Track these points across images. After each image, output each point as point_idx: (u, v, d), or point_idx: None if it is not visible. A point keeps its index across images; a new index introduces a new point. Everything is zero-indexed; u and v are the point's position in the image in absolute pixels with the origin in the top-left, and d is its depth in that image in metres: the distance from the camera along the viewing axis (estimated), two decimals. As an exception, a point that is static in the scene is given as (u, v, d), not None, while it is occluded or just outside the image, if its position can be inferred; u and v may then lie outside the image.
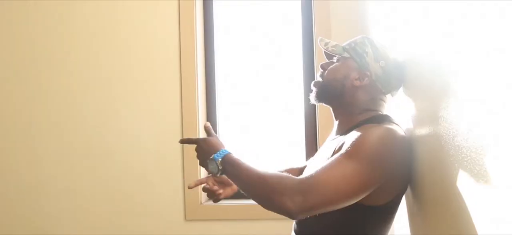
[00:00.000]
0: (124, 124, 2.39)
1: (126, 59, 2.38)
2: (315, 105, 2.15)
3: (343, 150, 1.12)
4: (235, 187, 1.56)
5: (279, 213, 1.07)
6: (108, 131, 2.40)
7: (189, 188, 1.50)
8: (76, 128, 2.42)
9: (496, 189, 0.71)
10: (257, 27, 2.50)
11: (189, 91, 2.31)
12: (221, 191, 1.55)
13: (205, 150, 1.25)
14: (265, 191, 1.08)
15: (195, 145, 1.30)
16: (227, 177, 1.24)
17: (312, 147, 2.32)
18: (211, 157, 1.20)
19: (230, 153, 1.21)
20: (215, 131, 2.43)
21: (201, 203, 2.34)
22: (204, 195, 2.37)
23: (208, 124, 1.36)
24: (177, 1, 2.33)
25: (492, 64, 0.68)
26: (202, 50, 2.41)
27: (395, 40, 1.38)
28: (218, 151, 1.21)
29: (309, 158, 1.63)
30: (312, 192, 1.04)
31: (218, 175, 1.20)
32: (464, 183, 0.85)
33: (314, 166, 1.30)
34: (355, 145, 1.11)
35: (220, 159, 1.19)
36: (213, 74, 2.44)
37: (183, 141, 1.38)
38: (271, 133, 2.50)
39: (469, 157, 0.81)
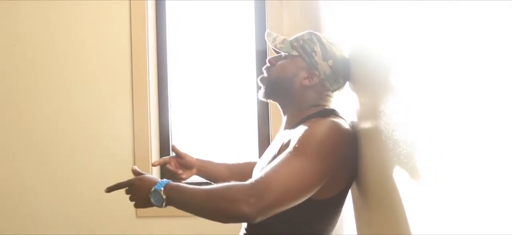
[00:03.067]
0: (74, 122, 2.34)
1: (77, 57, 2.33)
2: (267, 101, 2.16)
3: (291, 147, 1.13)
4: (195, 169, 1.57)
5: (237, 221, 1.06)
6: (59, 129, 2.34)
7: (153, 166, 1.49)
8: (26, 126, 2.35)
9: (426, 183, 0.73)
10: (210, 25, 2.49)
11: (141, 88, 2.28)
12: (183, 173, 1.54)
13: (142, 186, 1.20)
14: (218, 204, 1.06)
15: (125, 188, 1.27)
16: (173, 206, 1.17)
17: (265, 143, 2.33)
18: (152, 189, 1.15)
19: (169, 181, 1.17)
20: (168, 129, 2.41)
21: (153, 200, 2.31)
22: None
23: (135, 167, 1.34)
24: (128, 1, 2.29)
25: (427, 62, 0.70)
26: (154, 48, 2.38)
27: (343, 37, 1.40)
28: (157, 182, 1.16)
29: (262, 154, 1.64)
30: (266, 193, 1.04)
31: (163, 206, 1.14)
32: (400, 177, 0.87)
33: (262, 162, 1.31)
34: (302, 140, 1.12)
35: (162, 188, 1.13)
36: (166, 72, 2.42)
37: (112, 189, 1.33)
38: (225, 129, 2.49)
39: (405, 151, 0.83)
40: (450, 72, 0.62)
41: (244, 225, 1.35)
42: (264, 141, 2.35)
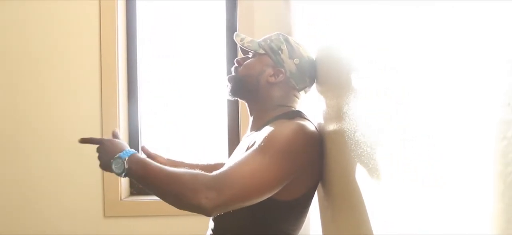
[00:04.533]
0: (41, 120, 2.30)
1: (46, 56, 2.29)
2: (237, 101, 2.17)
3: (255, 145, 1.14)
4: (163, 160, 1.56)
5: (192, 210, 1.05)
6: (24, 125, 2.30)
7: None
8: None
9: (385, 183, 0.74)
10: (181, 25, 2.48)
11: (109, 87, 2.26)
12: None
13: (109, 149, 1.18)
14: (177, 189, 1.05)
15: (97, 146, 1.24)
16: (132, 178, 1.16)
17: (234, 142, 2.33)
18: (116, 156, 1.13)
19: (136, 152, 1.16)
20: (137, 128, 2.39)
21: (121, 199, 2.29)
22: (124, 190, 2.33)
23: (116, 130, 1.32)
24: (98, 0, 2.27)
25: (387, 63, 0.71)
26: (124, 47, 2.36)
27: (311, 38, 1.42)
28: (124, 150, 1.15)
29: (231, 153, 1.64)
30: (226, 187, 1.04)
31: (122, 175, 1.13)
32: (362, 177, 0.89)
33: (230, 164, 1.31)
34: (267, 139, 1.13)
35: (126, 158, 1.12)
36: (136, 71, 2.40)
37: (84, 141, 1.31)
38: (195, 129, 2.48)
39: (366, 152, 0.85)
40: (408, 73, 0.64)
41: (211, 225, 1.35)
42: (233, 141, 2.35)
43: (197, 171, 1.08)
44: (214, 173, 1.08)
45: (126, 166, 1.11)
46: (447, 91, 0.53)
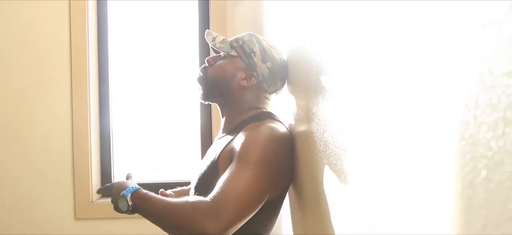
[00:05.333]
0: (10, 119, 2.25)
1: (15, 56, 2.25)
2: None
3: (236, 160, 1.13)
4: None
5: None
6: (-10, 126, 2.24)
7: (98, 193, 1.51)
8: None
9: (352, 183, 0.75)
10: (154, 25, 2.46)
11: (80, 87, 2.23)
12: None
13: (116, 190, 1.19)
14: (178, 221, 1.05)
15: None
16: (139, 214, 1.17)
17: (207, 143, 2.32)
18: (121, 194, 1.14)
19: (140, 188, 1.16)
20: (108, 129, 2.36)
21: (92, 201, 2.26)
22: (95, 192, 2.29)
23: (130, 173, 1.37)
24: (67, 1, 2.23)
25: (355, 64, 0.72)
26: (95, 47, 2.33)
27: (282, 39, 1.42)
28: (127, 188, 1.15)
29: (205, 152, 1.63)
30: (224, 211, 1.04)
31: (128, 213, 1.13)
32: (330, 178, 0.89)
33: (202, 166, 1.30)
34: (247, 151, 1.13)
35: (129, 195, 1.13)
36: (107, 71, 2.37)
37: (100, 191, 1.40)
38: (167, 130, 2.47)
39: (334, 153, 0.85)
40: (377, 74, 0.64)
41: None
42: (206, 141, 2.34)
43: (195, 198, 1.08)
44: (210, 197, 1.07)
45: (130, 203, 1.12)
46: (409, 92, 0.53)
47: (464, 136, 0.42)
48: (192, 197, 1.10)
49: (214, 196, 1.07)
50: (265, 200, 1.14)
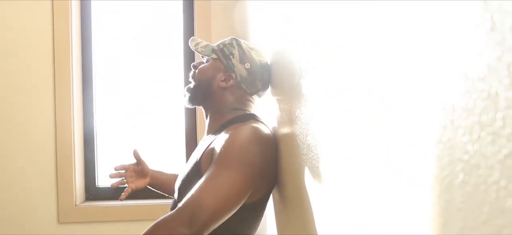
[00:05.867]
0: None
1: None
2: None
3: (215, 160, 1.13)
4: (148, 179, 1.63)
5: None
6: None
7: (115, 169, 1.61)
8: None
9: (334, 187, 0.75)
10: (138, 27, 2.44)
11: (63, 88, 2.20)
12: (133, 182, 1.61)
13: None
14: None
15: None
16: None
17: (192, 144, 2.32)
18: None
19: None
20: (92, 129, 2.33)
21: (76, 205, 2.23)
22: (79, 196, 2.27)
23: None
24: (50, 1, 2.21)
25: (337, 68, 0.72)
26: (78, 47, 2.31)
27: (266, 42, 1.42)
28: None
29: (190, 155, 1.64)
30: (198, 212, 1.04)
31: None
32: (312, 181, 0.89)
33: (186, 168, 1.30)
34: (225, 151, 1.13)
35: None
36: (91, 71, 2.35)
37: None
38: (152, 131, 2.45)
39: (317, 156, 0.85)
40: (357, 78, 0.65)
41: None
42: (191, 144, 2.34)
43: (159, 218, 1.08)
44: (180, 204, 1.07)
45: None
46: (389, 94, 0.53)
47: (441, 140, 0.43)
48: (161, 217, 1.10)
49: (183, 203, 1.07)
50: (243, 201, 1.13)
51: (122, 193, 1.59)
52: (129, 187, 1.60)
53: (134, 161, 1.62)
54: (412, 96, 0.48)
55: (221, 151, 1.14)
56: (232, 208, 1.10)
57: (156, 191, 1.67)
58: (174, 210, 1.07)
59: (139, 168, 1.62)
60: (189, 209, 1.05)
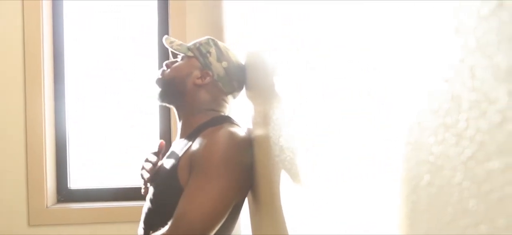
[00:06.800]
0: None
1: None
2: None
3: (198, 171, 1.14)
4: None
5: None
6: None
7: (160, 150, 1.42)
8: None
9: (305, 188, 0.75)
10: (112, 27, 2.41)
11: (34, 88, 2.16)
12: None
13: None
14: None
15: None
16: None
17: (166, 148, 2.29)
18: None
19: None
20: (64, 129, 2.29)
21: (47, 207, 2.19)
22: (50, 197, 2.23)
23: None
24: (20, 1, 2.16)
25: (308, 71, 0.72)
26: (50, 47, 2.27)
27: (239, 43, 1.42)
28: None
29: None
30: (191, 227, 1.06)
31: None
32: (285, 183, 0.89)
33: (158, 174, 1.29)
34: (207, 161, 1.13)
35: None
36: (62, 71, 2.30)
37: None
38: (126, 133, 2.43)
39: (289, 157, 0.85)
40: (329, 78, 0.65)
41: (140, 231, 1.32)
42: (165, 145, 2.32)
43: (163, 229, 1.10)
44: (174, 221, 1.09)
45: None
46: (358, 94, 0.54)
47: (409, 141, 0.43)
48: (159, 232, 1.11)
49: (175, 218, 1.09)
50: (231, 207, 1.15)
51: (144, 189, 1.40)
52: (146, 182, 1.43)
53: (155, 151, 1.45)
54: (381, 96, 0.48)
55: (202, 160, 1.14)
56: (222, 217, 1.12)
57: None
58: (166, 228, 1.08)
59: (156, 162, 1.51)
60: (181, 226, 1.07)
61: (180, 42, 1.38)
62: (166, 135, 2.33)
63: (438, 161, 0.38)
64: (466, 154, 0.34)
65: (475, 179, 0.33)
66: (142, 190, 1.40)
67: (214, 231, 1.11)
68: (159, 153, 1.41)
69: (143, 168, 1.39)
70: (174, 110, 1.40)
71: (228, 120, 1.30)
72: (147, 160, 1.40)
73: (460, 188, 0.35)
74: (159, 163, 1.36)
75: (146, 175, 1.36)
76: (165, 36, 1.39)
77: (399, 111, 0.45)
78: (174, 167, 1.22)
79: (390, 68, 0.46)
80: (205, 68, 1.31)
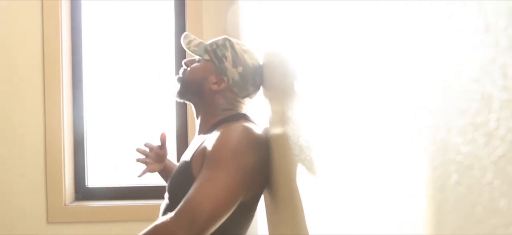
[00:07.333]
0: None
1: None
2: (185, 103, 2.15)
3: (208, 161, 1.14)
4: (162, 165, 1.62)
5: None
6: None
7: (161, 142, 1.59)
8: None
9: (327, 189, 0.75)
10: (130, 26, 2.43)
11: (53, 88, 2.19)
12: (152, 165, 1.60)
13: None
14: None
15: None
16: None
17: (183, 147, 2.31)
18: None
19: None
20: (83, 129, 2.32)
21: (65, 205, 2.22)
22: (68, 195, 2.26)
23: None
24: (40, 1, 2.19)
25: (329, 71, 0.72)
26: (68, 47, 2.29)
27: (257, 42, 1.42)
28: None
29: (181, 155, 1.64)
30: (195, 216, 1.06)
31: None
32: (305, 183, 0.89)
33: (174, 170, 1.31)
34: (218, 152, 1.14)
35: None
36: (81, 71, 2.33)
37: None
38: (143, 129, 2.44)
39: (309, 157, 0.85)
40: (351, 79, 0.65)
41: None
42: (182, 144, 2.33)
43: (158, 220, 1.12)
44: (178, 208, 1.10)
45: None
46: (382, 94, 0.54)
47: (435, 141, 0.43)
48: (159, 219, 1.13)
49: (182, 204, 1.09)
50: (240, 199, 1.14)
51: (141, 172, 1.60)
52: (146, 167, 1.59)
53: (158, 144, 1.61)
54: (406, 97, 0.48)
55: (213, 152, 1.14)
56: (229, 209, 1.12)
57: (163, 179, 1.67)
58: (172, 214, 1.09)
59: (161, 152, 1.61)
60: (187, 213, 1.07)
61: (198, 41, 1.38)
62: (183, 132, 2.34)
63: (466, 161, 0.38)
64: (497, 154, 0.34)
65: (506, 178, 0.33)
66: (141, 174, 1.57)
67: (219, 222, 1.10)
68: (164, 145, 1.57)
69: (138, 150, 1.57)
70: (192, 108, 1.41)
71: (244, 118, 1.30)
72: (146, 144, 1.58)
73: (490, 188, 0.35)
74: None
75: (141, 157, 1.57)
76: (184, 34, 1.39)
77: (424, 111, 0.44)
78: (188, 162, 1.23)
79: (414, 67, 0.46)
80: (221, 73, 1.31)
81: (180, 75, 1.38)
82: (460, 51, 0.38)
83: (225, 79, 1.31)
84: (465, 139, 0.38)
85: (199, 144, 1.23)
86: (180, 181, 1.24)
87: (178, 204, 1.22)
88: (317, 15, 0.77)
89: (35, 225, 2.21)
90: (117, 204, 2.24)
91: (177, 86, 1.38)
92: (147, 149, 1.61)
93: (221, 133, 1.18)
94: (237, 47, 1.33)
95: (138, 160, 1.61)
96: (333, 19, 0.69)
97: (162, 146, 1.59)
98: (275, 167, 1.21)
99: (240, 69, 1.31)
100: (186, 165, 1.23)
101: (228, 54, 1.31)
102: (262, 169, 1.24)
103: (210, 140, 1.19)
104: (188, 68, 1.37)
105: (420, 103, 0.45)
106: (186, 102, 1.41)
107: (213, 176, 1.11)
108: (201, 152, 1.20)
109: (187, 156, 1.27)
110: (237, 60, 1.31)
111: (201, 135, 1.31)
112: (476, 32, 0.36)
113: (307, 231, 0.88)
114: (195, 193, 1.09)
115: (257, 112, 1.44)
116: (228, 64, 1.31)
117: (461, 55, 0.38)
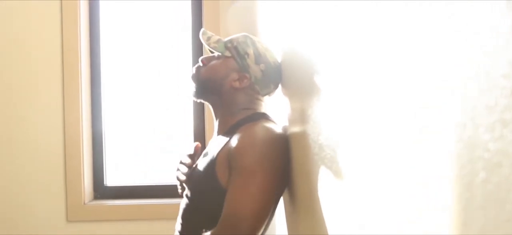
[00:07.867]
0: (1, 119, 2.23)
1: (5, 56, 2.23)
2: (203, 103, 2.16)
3: (238, 169, 1.14)
4: None
5: None
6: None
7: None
8: None
9: (348, 187, 0.75)
10: (147, 26, 2.45)
11: (72, 87, 2.21)
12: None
13: None
14: None
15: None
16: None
17: (200, 141, 2.31)
18: None
19: None
20: (101, 129, 2.34)
21: (84, 203, 2.24)
22: (88, 194, 2.28)
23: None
24: (59, 1, 2.21)
25: (351, 68, 0.72)
26: (87, 47, 2.32)
27: (276, 40, 1.41)
28: None
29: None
30: (239, 227, 1.07)
31: None
32: (325, 181, 0.89)
33: (195, 171, 1.31)
34: (246, 158, 1.14)
35: None
36: (99, 71, 2.36)
37: None
38: (160, 129, 2.46)
39: (330, 155, 0.85)
40: (374, 76, 0.64)
41: (177, 227, 1.33)
42: (199, 140, 2.33)
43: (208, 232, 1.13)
44: (220, 221, 1.11)
45: None
46: (408, 92, 0.53)
47: (462, 138, 0.42)
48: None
49: (223, 219, 1.10)
50: (277, 203, 1.17)
51: (181, 189, 1.42)
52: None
53: (190, 153, 1.45)
54: (432, 94, 0.48)
55: (241, 158, 1.14)
56: (268, 213, 1.14)
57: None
58: (215, 228, 1.10)
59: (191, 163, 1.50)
60: (230, 225, 1.08)
61: (217, 37, 1.35)
62: (200, 132, 2.35)
63: (495, 158, 0.38)
64: (528, 151, 0.33)
65: (537, 176, 0.33)
66: (179, 191, 1.42)
67: (262, 229, 1.12)
68: (195, 155, 1.43)
69: (178, 169, 1.41)
70: (210, 108, 1.40)
71: (264, 117, 1.30)
72: (181, 162, 1.42)
73: (521, 185, 0.34)
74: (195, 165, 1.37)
75: (182, 177, 1.37)
76: (202, 30, 1.36)
77: (451, 107, 0.44)
78: (212, 164, 1.22)
79: (441, 64, 0.46)
80: (243, 70, 1.29)
81: (194, 72, 1.36)
82: (489, 47, 0.38)
83: (247, 76, 1.29)
84: (493, 136, 0.38)
85: (221, 146, 1.22)
86: (203, 186, 1.24)
87: (203, 207, 1.22)
88: (337, 13, 0.77)
89: (55, 224, 2.23)
90: (135, 203, 2.25)
91: (193, 85, 1.35)
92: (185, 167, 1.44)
93: (244, 137, 1.18)
94: (258, 44, 1.32)
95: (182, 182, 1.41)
96: (355, 15, 0.69)
97: (193, 156, 1.45)
98: (294, 166, 1.20)
99: (262, 66, 1.29)
100: (209, 169, 1.22)
101: (250, 51, 1.29)
102: (285, 168, 1.24)
103: (233, 144, 1.18)
104: (204, 66, 1.35)
105: (447, 100, 0.45)
106: (204, 102, 1.40)
107: (248, 183, 1.11)
108: (226, 155, 1.19)
109: (209, 156, 1.26)
110: (259, 57, 1.29)
111: (220, 137, 1.30)
112: (504, 28, 0.36)
113: (327, 231, 0.87)
114: (234, 203, 1.10)
115: (276, 110, 1.44)
116: (250, 61, 1.29)
117: (489, 51, 0.38)
